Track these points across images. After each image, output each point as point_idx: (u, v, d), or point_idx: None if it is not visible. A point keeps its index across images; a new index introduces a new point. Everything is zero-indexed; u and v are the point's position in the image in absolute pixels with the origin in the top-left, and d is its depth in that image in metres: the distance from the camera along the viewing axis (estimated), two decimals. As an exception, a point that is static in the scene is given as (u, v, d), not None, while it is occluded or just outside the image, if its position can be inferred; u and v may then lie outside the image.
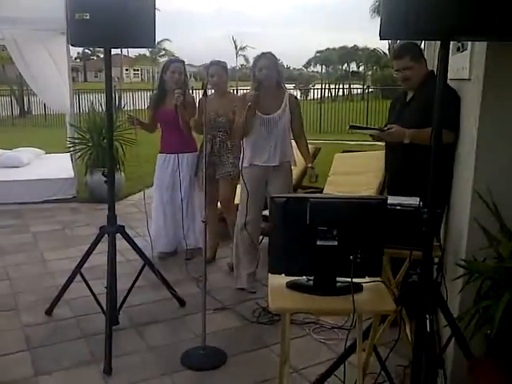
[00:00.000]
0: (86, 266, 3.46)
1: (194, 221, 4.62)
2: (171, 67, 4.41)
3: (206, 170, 3.21)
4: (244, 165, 3.82)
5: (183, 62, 4.56)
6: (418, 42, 3.58)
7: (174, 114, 4.29)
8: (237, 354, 3.07)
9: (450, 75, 2.57)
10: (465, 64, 2.78)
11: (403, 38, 2.93)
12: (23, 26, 6.25)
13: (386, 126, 3.23)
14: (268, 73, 3.71)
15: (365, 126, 4.21)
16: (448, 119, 2.71)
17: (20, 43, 6.49)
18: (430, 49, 3.92)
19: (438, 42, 3.53)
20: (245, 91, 4.18)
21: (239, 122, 3.75)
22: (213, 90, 4.39)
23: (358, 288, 2.29)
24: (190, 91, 4.58)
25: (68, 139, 6.91)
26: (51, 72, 6.69)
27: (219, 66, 4.33)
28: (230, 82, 4.66)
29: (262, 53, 3.82)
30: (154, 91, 4.88)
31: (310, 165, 3.94)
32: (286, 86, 4.15)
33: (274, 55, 3.82)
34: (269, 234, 3.85)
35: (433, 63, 3.51)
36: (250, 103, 3.62)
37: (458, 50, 3.08)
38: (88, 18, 2.84)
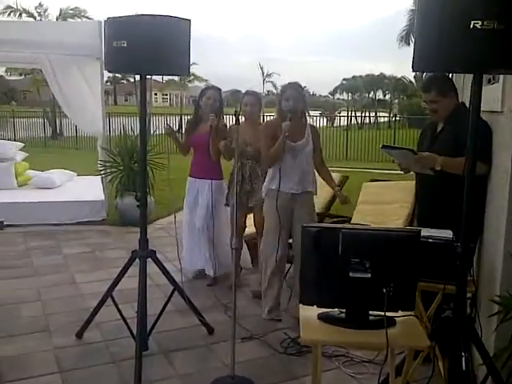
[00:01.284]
0: (115, 289, 3.49)
1: (215, 248, 4.61)
2: (207, 93, 4.52)
3: (236, 198, 3.27)
4: (271, 188, 3.87)
5: (220, 89, 4.65)
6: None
7: (206, 138, 4.37)
8: (266, 385, 3.06)
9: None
10: (496, 96, 2.78)
11: (436, 71, 2.95)
12: (59, 51, 6.47)
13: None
14: (295, 103, 3.79)
15: (397, 146, 4.15)
16: (480, 151, 2.69)
17: (55, 67, 6.67)
18: (458, 79, 3.92)
19: (467, 74, 3.56)
20: (267, 119, 4.24)
21: (271, 151, 3.80)
22: (243, 119, 4.47)
23: (391, 322, 2.27)
24: (225, 120, 4.67)
25: (99, 162, 7.04)
26: (85, 96, 6.87)
27: (254, 96, 4.46)
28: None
29: (289, 83, 3.91)
30: (183, 116, 4.97)
31: (336, 188, 4.05)
32: (312, 113, 4.24)
33: (300, 85, 3.93)
34: (293, 262, 3.88)
35: (462, 94, 3.51)
36: (286, 133, 3.69)
37: (489, 81, 3.09)
38: (125, 45, 2.92)
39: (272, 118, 4.20)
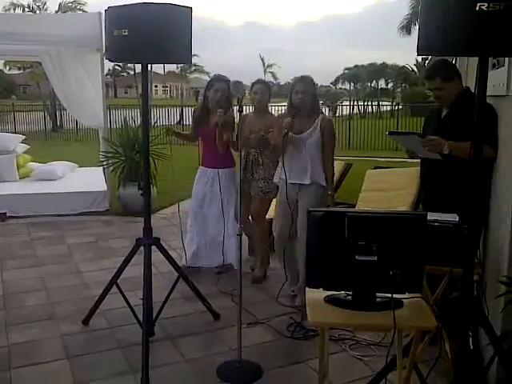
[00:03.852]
0: (120, 277, 3.49)
1: (229, 236, 4.57)
2: (215, 86, 4.44)
3: (241, 186, 3.27)
4: (275, 181, 3.95)
5: (228, 81, 4.57)
6: (452, 58, 3.57)
7: (215, 131, 4.36)
8: (273, 369, 3.07)
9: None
10: (502, 80, 2.77)
11: (441, 54, 2.92)
12: (59, 43, 6.46)
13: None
14: (303, 97, 3.78)
15: (404, 131, 4.12)
16: (487, 135, 2.69)
17: (55, 60, 6.66)
18: (462, 65, 3.91)
19: (470, 59, 3.55)
20: (280, 112, 4.24)
21: (278, 145, 3.83)
22: (252, 108, 4.53)
23: (399, 304, 2.28)
24: (233, 110, 4.64)
25: (101, 153, 7.05)
26: (86, 88, 6.86)
27: (264, 85, 4.48)
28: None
29: (301, 76, 3.90)
30: (184, 107, 4.91)
31: (329, 192, 3.88)
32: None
33: (311, 79, 3.90)
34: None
35: (466, 79, 3.50)
36: (286, 130, 3.70)
37: (494, 66, 3.07)
38: (126, 34, 2.89)
39: (284, 110, 4.19)
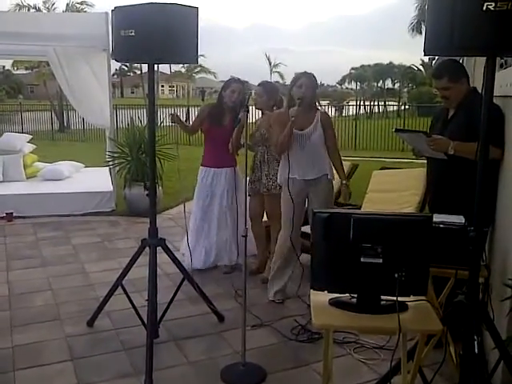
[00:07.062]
0: (125, 278, 3.49)
1: (234, 235, 4.61)
2: (232, 86, 4.52)
3: (246, 185, 3.27)
4: (285, 176, 3.91)
5: (243, 82, 4.65)
6: (459, 58, 3.54)
7: (229, 131, 4.37)
8: (277, 372, 3.05)
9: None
10: (509, 80, 2.75)
11: (448, 54, 2.90)
12: (66, 43, 6.47)
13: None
14: (306, 91, 3.82)
15: (410, 129, 4.13)
16: (493, 135, 2.66)
17: (62, 59, 6.69)
18: (468, 66, 3.88)
19: (477, 59, 3.52)
20: (276, 111, 4.25)
21: (280, 139, 3.83)
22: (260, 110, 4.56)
23: (403, 307, 2.25)
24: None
25: (107, 153, 7.05)
26: (92, 88, 6.89)
27: (261, 86, 4.49)
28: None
29: (305, 71, 3.95)
30: (190, 107, 4.92)
31: (344, 181, 4.03)
32: (321, 102, 4.26)
33: (314, 76, 3.96)
34: (310, 250, 3.86)
35: (473, 79, 3.48)
36: (293, 118, 3.72)
37: (501, 66, 3.05)
38: (133, 34, 2.90)
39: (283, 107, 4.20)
